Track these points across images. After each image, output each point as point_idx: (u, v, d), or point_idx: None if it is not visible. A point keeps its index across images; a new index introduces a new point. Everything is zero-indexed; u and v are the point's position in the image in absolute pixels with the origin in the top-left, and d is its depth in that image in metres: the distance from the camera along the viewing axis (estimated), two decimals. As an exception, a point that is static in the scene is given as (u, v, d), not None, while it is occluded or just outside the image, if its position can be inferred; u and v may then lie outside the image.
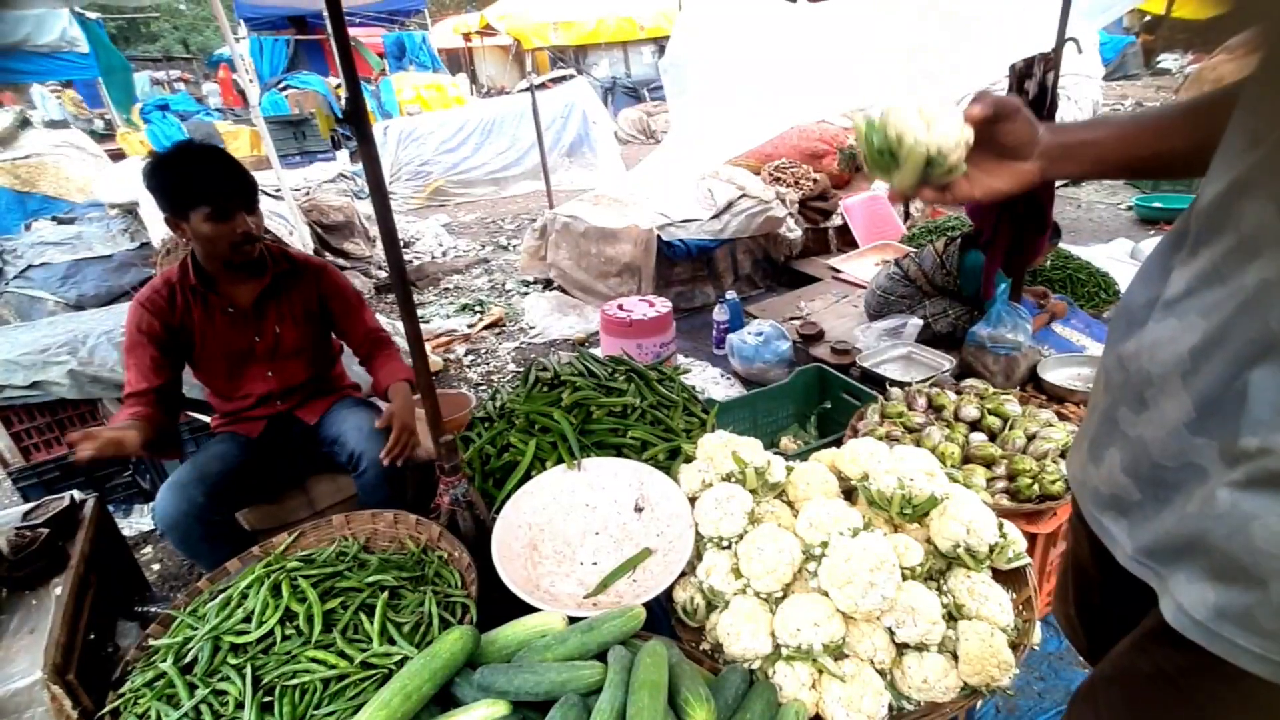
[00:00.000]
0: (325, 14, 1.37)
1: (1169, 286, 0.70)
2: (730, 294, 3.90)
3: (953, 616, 1.23)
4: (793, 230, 4.83)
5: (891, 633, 1.18)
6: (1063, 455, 1.81)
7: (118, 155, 7.76)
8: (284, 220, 4.49)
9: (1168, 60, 14.09)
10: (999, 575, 1.32)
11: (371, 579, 1.40)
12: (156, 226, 4.03)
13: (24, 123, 6.63)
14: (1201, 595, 0.65)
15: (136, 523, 2.72)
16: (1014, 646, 1.19)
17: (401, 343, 3.53)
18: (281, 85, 10.26)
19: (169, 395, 1.88)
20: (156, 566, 2.53)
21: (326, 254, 5.14)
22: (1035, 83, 2.49)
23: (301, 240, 4.48)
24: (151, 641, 1.34)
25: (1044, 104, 2.53)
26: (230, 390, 1.97)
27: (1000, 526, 1.31)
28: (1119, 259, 4.50)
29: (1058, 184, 6.41)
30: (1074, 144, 0.84)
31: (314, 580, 1.37)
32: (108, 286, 3.97)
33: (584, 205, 4.81)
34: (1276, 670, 0.60)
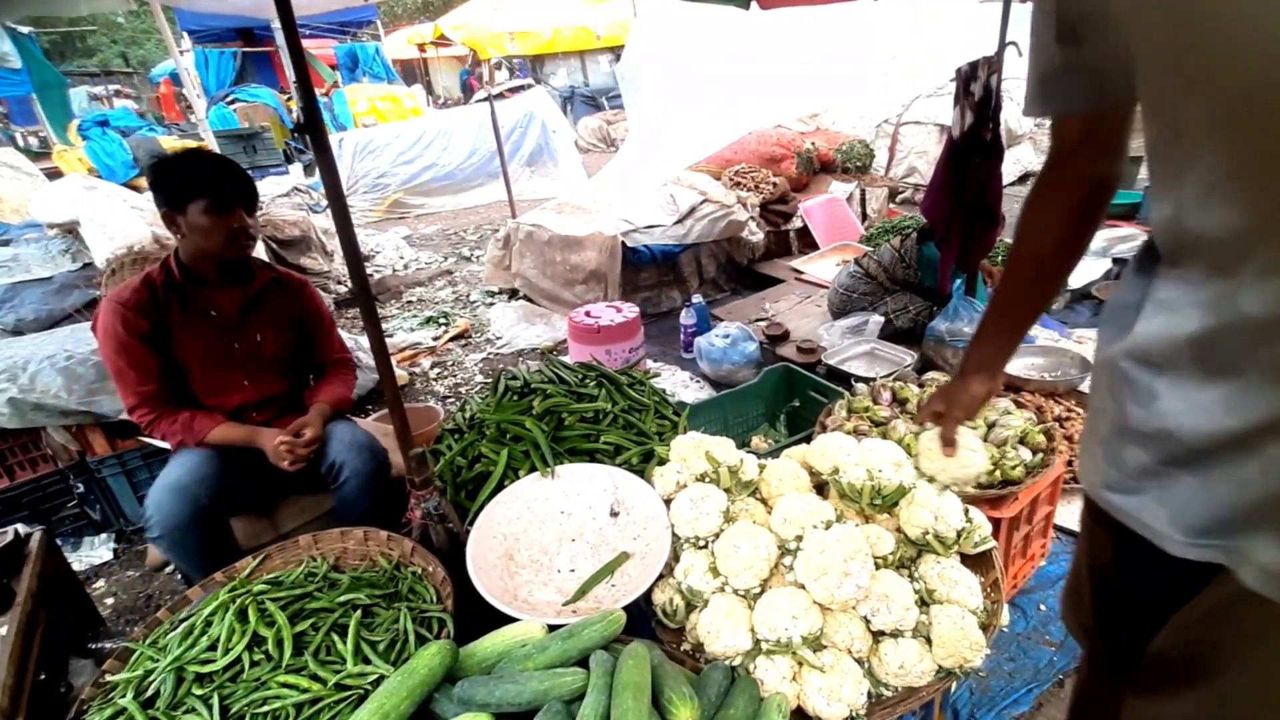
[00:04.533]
0: (277, 25, 1.35)
1: (1157, 290, 0.76)
2: (696, 298, 3.94)
3: (925, 602, 1.26)
4: (755, 234, 4.90)
5: (867, 621, 1.20)
6: (1022, 441, 1.88)
7: (54, 174, 7.43)
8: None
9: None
10: (967, 560, 1.36)
11: (343, 598, 1.36)
12: (100, 246, 3.86)
13: (-49, 142, 6.29)
14: None
15: (87, 555, 2.60)
16: (983, 628, 1.22)
17: (366, 357, 3.47)
18: (229, 99, 9.97)
19: (177, 391, 1.86)
20: (110, 600, 2.41)
21: (283, 269, 5.00)
22: (980, 85, 2.59)
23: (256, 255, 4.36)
24: (109, 677, 1.27)
25: (989, 105, 2.63)
26: (204, 398, 1.91)
27: (966, 512, 1.35)
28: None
29: (1007, 181, 6.67)
30: (999, 357, 1.16)
31: (282, 603, 1.32)
32: (48, 310, 3.79)
33: (547, 214, 4.80)
34: None
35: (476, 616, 1.33)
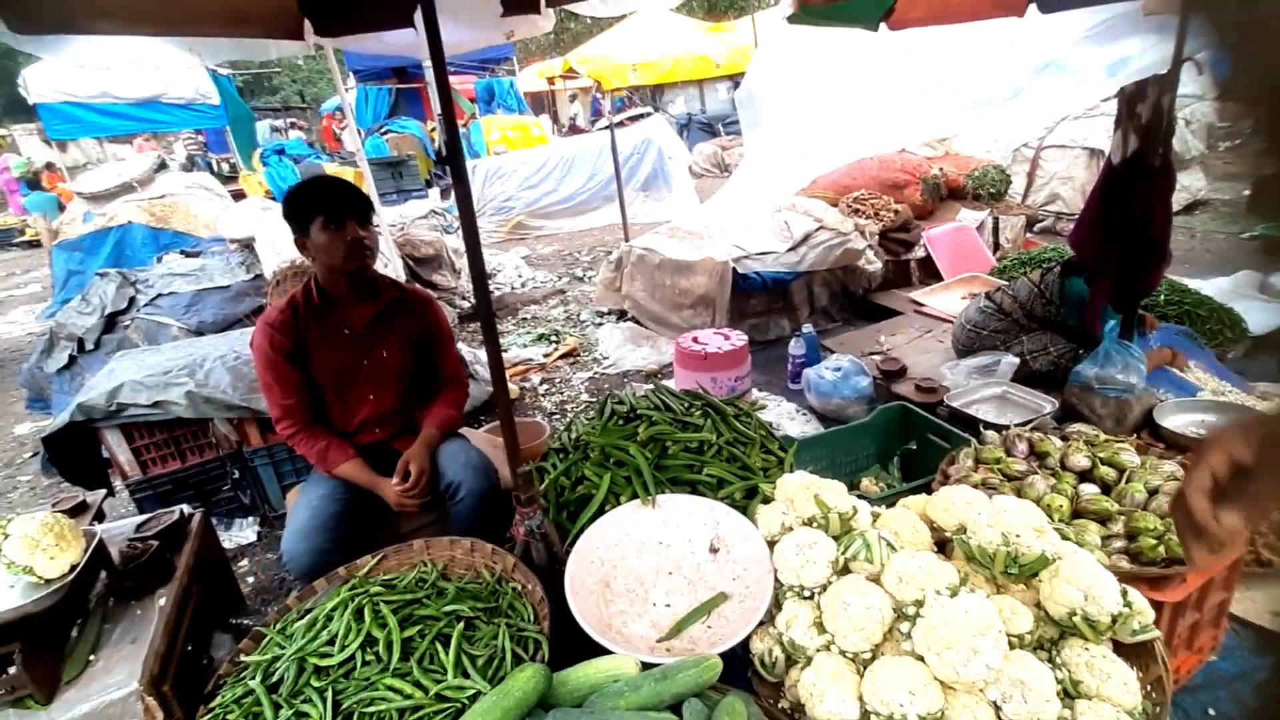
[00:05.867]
0: (428, 63, 1.46)
1: None
2: (807, 327, 3.80)
3: (1069, 694, 1.10)
4: (872, 262, 4.68)
5: (997, 709, 1.06)
6: (1192, 514, 1.62)
7: (239, 195, 8.55)
8: (381, 254, 4.78)
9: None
10: (1121, 649, 1.18)
11: (449, 608, 1.41)
12: (270, 260, 4.39)
13: (161, 166, 7.44)
14: None
15: (236, 535, 2.90)
16: (1144, 734, 1.05)
17: (483, 370, 3.65)
18: (383, 130, 11.07)
19: (316, 407, 2.02)
20: (251, 580, 2.67)
21: (417, 285, 5.43)
22: (1149, 106, 2.31)
23: (395, 272, 4.75)
24: (243, 657, 1.39)
25: (1159, 128, 2.34)
26: (334, 411, 2.06)
27: (1124, 593, 1.17)
28: (1245, 294, 4.07)
29: (1174, 211, 5.93)
30: None
31: (394, 606, 1.39)
32: (224, 314, 4.34)
33: (659, 238, 4.86)
34: None
35: (567, 639, 1.33)
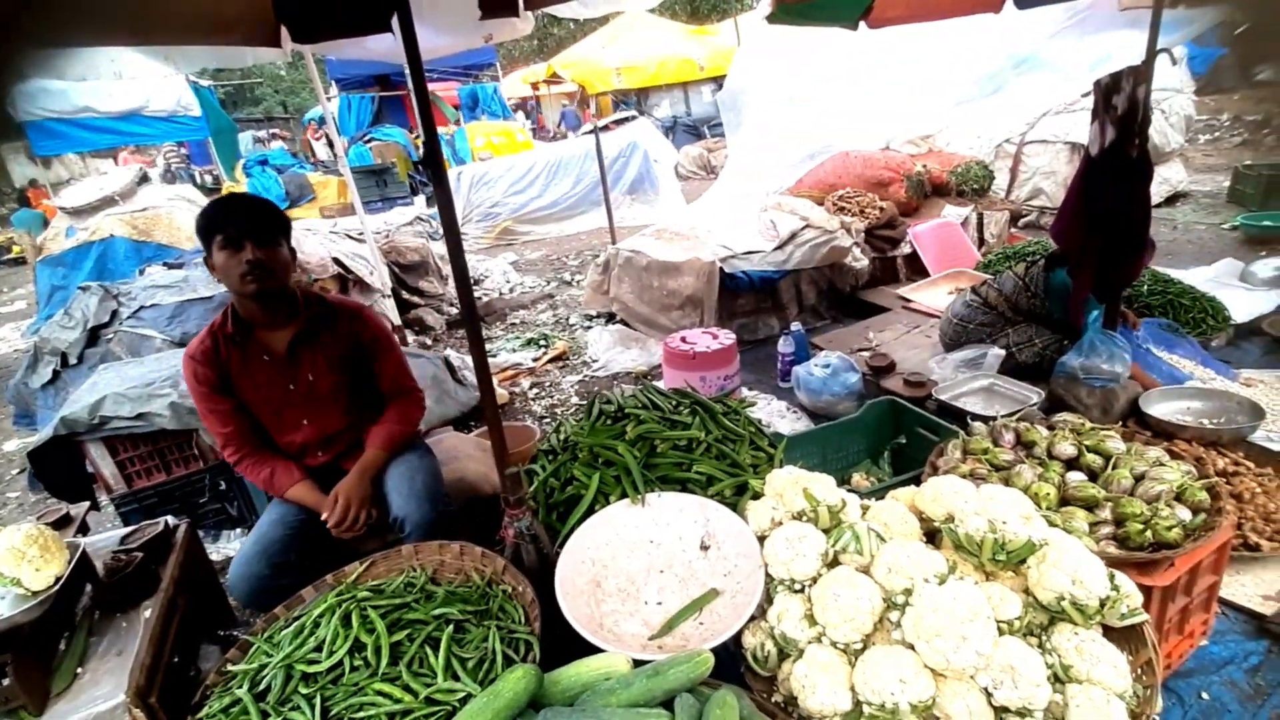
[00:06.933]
0: (407, 71, 1.46)
1: None
2: (795, 325, 3.81)
3: (1059, 679, 1.10)
4: (858, 260, 4.70)
5: (989, 694, 1.06)
6: (1179, 498, 1.63)
7: (222, 206, 8.47)
8: (365, 261, 4.75)
9: (1267, 72, 13.15)
10: (1111, 634, 1.19)
11: (438, 611, 1.39)
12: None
13: (143, 179, 7.37)
14: None
15: (224, 547, 2.87)
16: (1133, 716, 1.05)
17: (471, 375, 3.64)
18: (366, 138, 11.03)
19: (258, 431, 1.96)
20: None
21: (404, 292, 5.40)
22: (1124, 97, 2.34)
23: (381, 279, 4.73)
24: (230, 666, 1.37)
25: (1134, 119, 2.37)
26: (274, 435, 1.99)
27: (1111, 578, 1.17)
28: (1227, 282, 4.13)
29: (1155, 202, 6.02)
30: None
31: (382, 611, 1.38)
32: (207, 324, 4.29)
33: (646, 240, 4.87)
34: None
35: (559, 640, 1.32)
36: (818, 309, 4.73)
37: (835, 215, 4.84)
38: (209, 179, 12.66)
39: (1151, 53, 2.33)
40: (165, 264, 5.38)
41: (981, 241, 5.47)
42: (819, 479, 1.49)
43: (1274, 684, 1.72)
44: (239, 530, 2.94)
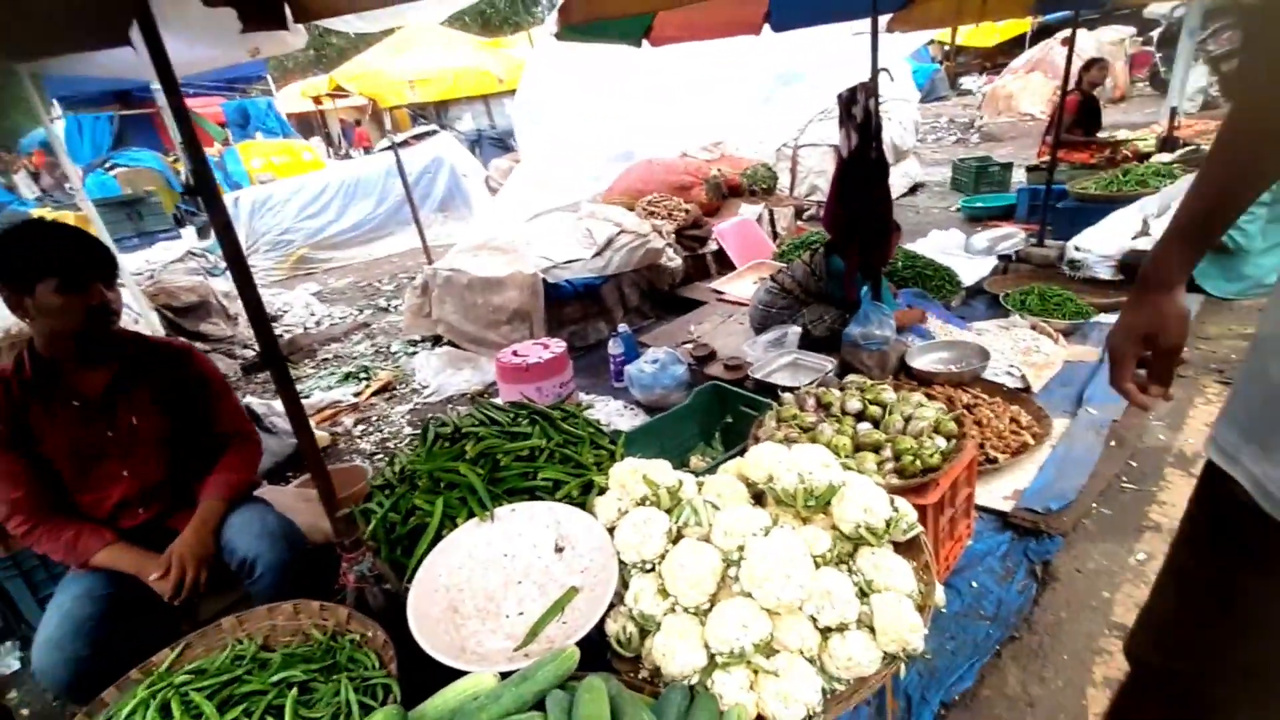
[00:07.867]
0: (157, 85, 1.31)
1: None
2: (622, 327, 3.99)
3: (864, 593, 1.31)
4: (673, 260, 5.03)
5: (814, 620, 1.24)
6: (936, 430, 2.00)
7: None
8: (126, 308, 4.06)
9: (968, 82, 16.38)
10: (899, 548, 1.43)
11: (277, 678, 1.27)
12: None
13: None
14: None
15: (1, 664, 2.32)
16: (920, 609, 1.29)
17: (281, 422, 3.28)
18: (108, 164, 9.37)
19: (56, 493, 1.68)
20: (26, 711, 2.16)
21: (181, 338, 4.69)
22: (860, 108, 2.80)
23: (150, 327, 4.08)
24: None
25: (870, 126, 2.85)
26: (80, 495, 1.72)
27: (892, 502, 1.42)
28: (953, 253, 5.09)
29: (898, 193, 7.20)
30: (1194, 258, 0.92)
31: (208, 691, 1.23)
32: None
33: (464, 256, 4.76)
34: None
35: (426, 674, 1.28)
36: (641, 309, 4.98)
37: (647, 219, 5.13)
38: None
39: (874, 71, 2.81)
40: None
41: (775, 235, 6.14)
42: (655, 464, 1.60)
43: (1018, 563, 2.19)
44: (9, 643, 2.39)
